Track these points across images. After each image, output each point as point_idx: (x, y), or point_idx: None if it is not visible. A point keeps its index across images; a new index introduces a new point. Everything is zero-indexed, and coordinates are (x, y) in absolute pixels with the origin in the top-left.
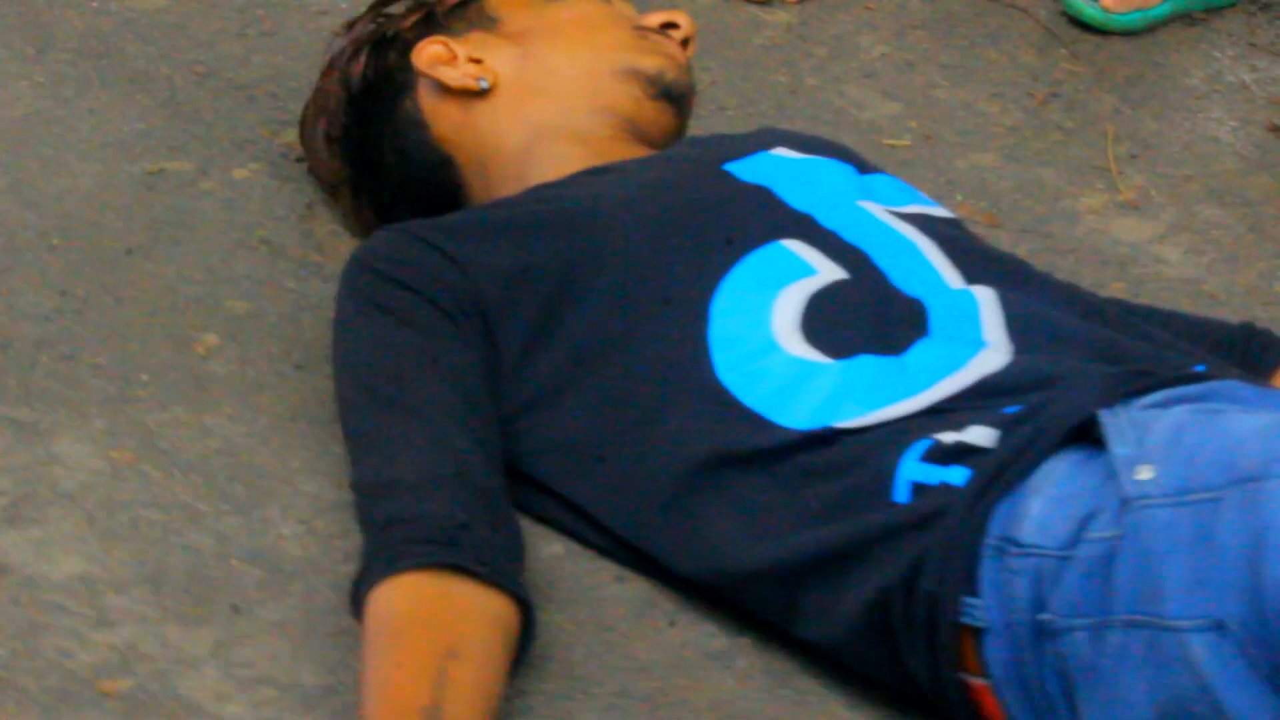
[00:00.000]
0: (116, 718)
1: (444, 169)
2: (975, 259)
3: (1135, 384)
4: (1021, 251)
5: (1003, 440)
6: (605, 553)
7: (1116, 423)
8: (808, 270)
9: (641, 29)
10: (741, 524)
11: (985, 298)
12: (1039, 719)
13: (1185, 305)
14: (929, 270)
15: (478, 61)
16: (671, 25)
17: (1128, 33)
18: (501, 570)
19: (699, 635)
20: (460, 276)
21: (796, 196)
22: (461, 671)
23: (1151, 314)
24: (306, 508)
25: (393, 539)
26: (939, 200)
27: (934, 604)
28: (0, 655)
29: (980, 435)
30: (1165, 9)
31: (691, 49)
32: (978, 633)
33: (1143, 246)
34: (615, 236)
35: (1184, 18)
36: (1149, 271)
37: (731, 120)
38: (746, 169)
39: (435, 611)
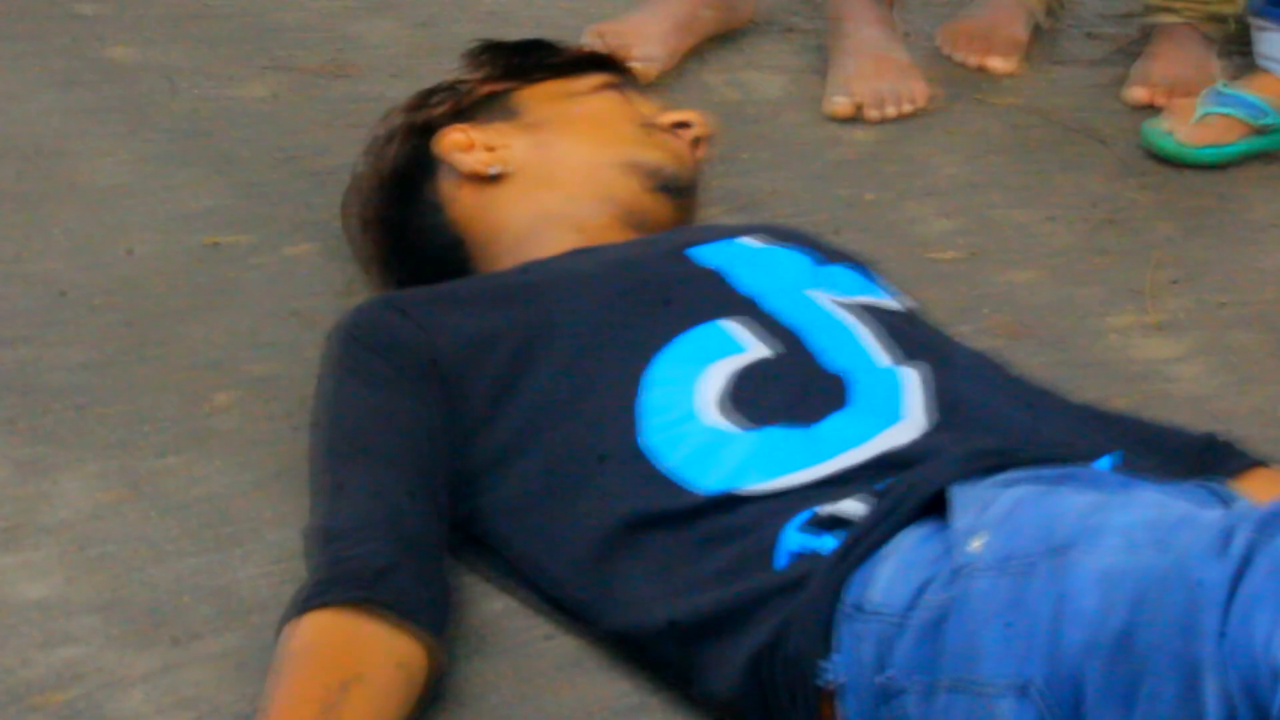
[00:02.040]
0: None
1: (455, 249)
2: (913, 344)
3: (993, 461)
4: (1035, 363)
5: (869, 512)
6: (543, 611)
7: (964, 497)
8: (737, 348)
9: (651, 125)
10: (651, 583)
11: (910, 376)
12: None
13: (1185, 421)
14: (859, 350)
15: (493, 150)
16: (684, 125)
17: (1202, 166)
18: (414, 615)
19: (612, 693)
20: (425, 342)
21: (745, 281)
22: (352, 703)
23: (1114, 419)
24: (268, 555)
25: (318, 580)
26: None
27: (795, 665)
28: None
29: (853, 507)
30: (1241, 146)
31: (703, 149)
32: (836, 694)
33: (1159, 365)
34: (568, 309)
35: (1261, 156)
36: (1158, 389)
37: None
38: (707, 253)
39: (336, 645)
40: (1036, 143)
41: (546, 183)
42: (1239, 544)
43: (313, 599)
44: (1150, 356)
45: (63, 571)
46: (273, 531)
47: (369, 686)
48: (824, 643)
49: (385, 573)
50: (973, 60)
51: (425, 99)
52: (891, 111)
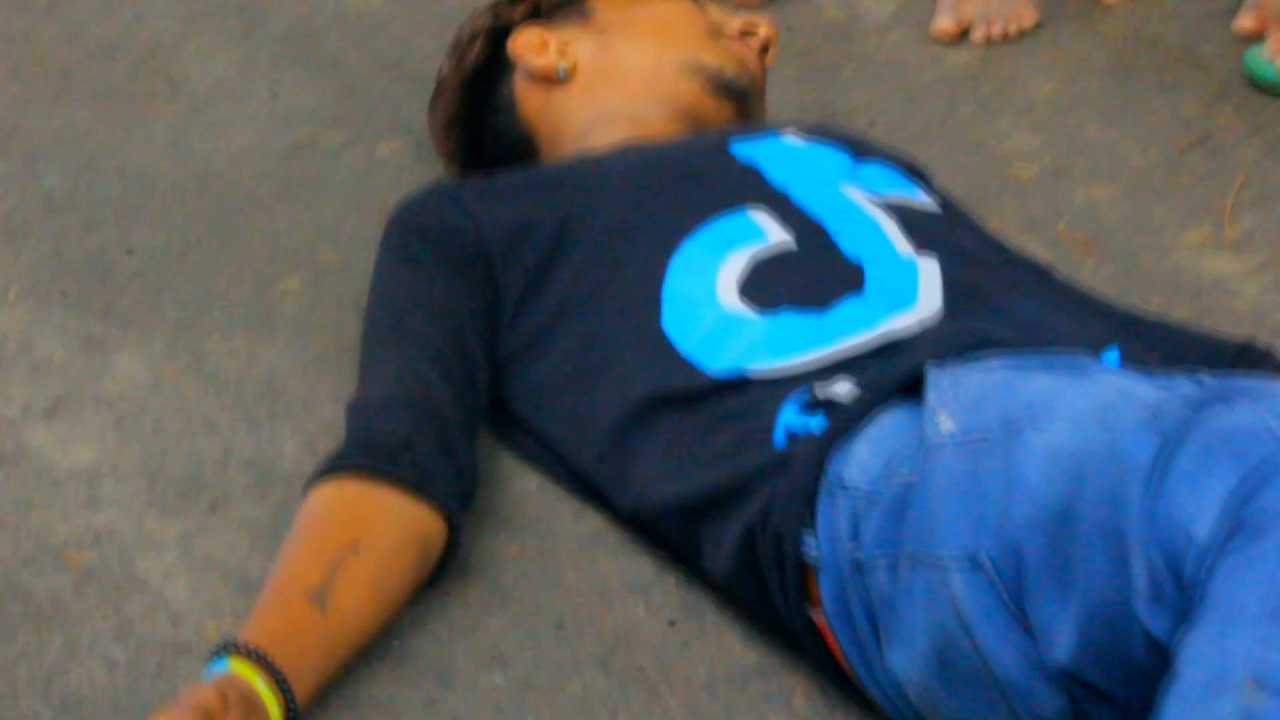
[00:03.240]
0: (68, 582)
1: (526, 148)
2: (937, 238)
3: (973, 342)
4: (1102, 275)
5: (854, 393)
6: (574, 490)
7: (939, 377)
8: (761, 236)
9: (718, 30)
10: (663, 462)
11: (929, 266)
12: (860, 651)
13: (1243, 332)
14: (882, 240)
15: (563, 50)
16: (751, 31)
17: None
18: (432, 486)
19: (628, 568)
20: (473, 228)
21: (780, 174)
22: (359, 564)
23: (1150, 325)
24: (314, 429)
25: (343, 448)
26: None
27: (780, 540)
28: None
29: (844, 388)
30: None
31: (772, 53)
32: (817, 567)
33: (1225, 280)
34: (603, 197)
35: None
36: (1221, 302)
37: (873, 132)
38: (747, 148)
39: (350, 509)
40: (1137, 67)
41: (609, 82)
42: (1170, 421)
43: (333, 467)
44: (1218, 272)
45: (113, 439)
46: (324, 408)
47: (377, 549)
48: (806, 518)
49: (406, 443)
50: None
51: (502, 2)
52: (997, 32)
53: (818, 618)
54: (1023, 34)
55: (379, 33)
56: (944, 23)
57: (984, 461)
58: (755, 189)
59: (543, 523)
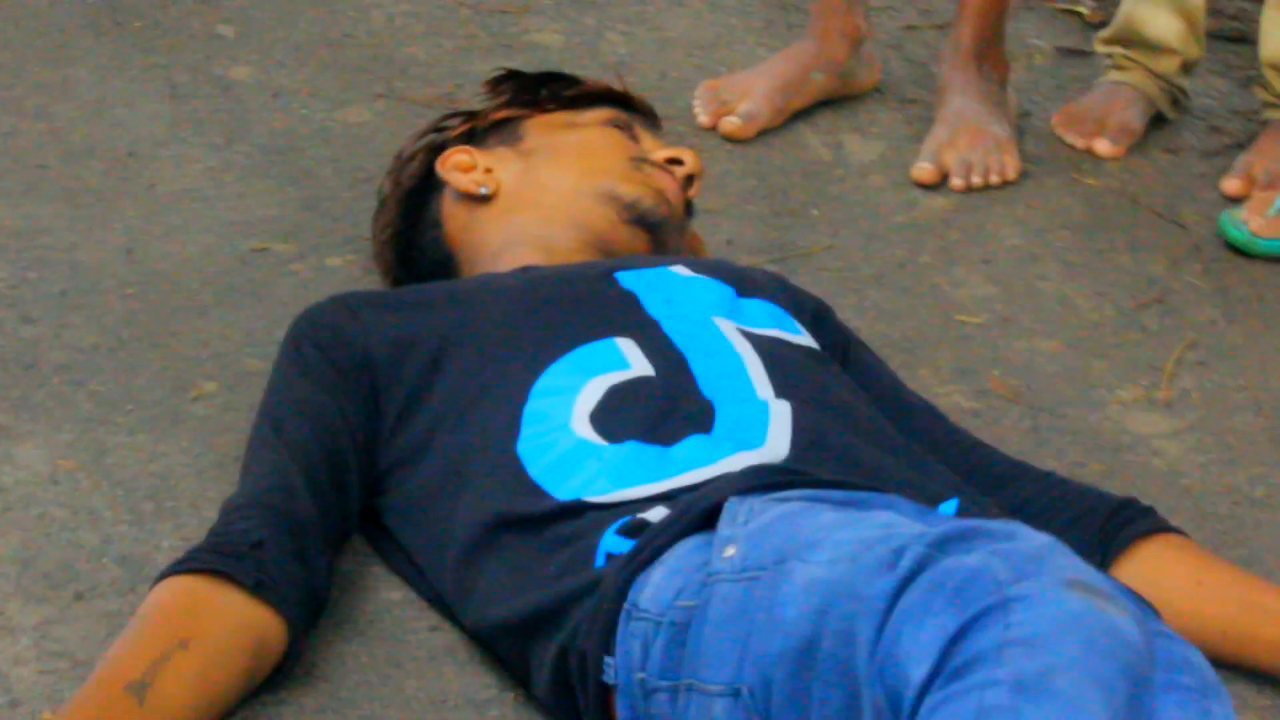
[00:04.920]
0: None
1: (447, 265)
2: (800, 380)
3: (779, 479)
4: (1021, 426)
5: (664, 518)
6: (433, 604)
7: (735, 509)
8: (623, 364)
9: (640, 160)
10: (503, 582)
11: (781, 410)
12: None
13: (1153, 492)
14: (741, 378)
15: (489, 171)
16: (676, 161)
17: (1268, 258)
18: (275, 589)
19: (472, 683)
20: (362, 340)
21: (656, 305)
22: (185, 659)
23: (1025, 476)
24: (196, 528)
25: (194, 548)
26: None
27: (583, 661)
28: None
29: (657, 515)
30: None
31: (695, 186)
32: (615, 690)
33: (1149, 439)
34: (483, 318)
35: None
36: (1139, 459)
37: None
38: (631, 277)
39: (183, 606)
40: (1113, 223)
41: (526, 205)
42: (908, 560)
43: (178, 565)
44: (1144, 431)
45: None
46: (210, 509)
47: (206, 646)
48: (606, 641)
49: (256, 546)
50: (1080, 142)
51: (444, 122)
52: (977, 181)
53: None
54: (1005, 183)
55: (358, 148)
56: (923, 168)
57: (754, 591)
58: (628, 318)
59: (398, 634)
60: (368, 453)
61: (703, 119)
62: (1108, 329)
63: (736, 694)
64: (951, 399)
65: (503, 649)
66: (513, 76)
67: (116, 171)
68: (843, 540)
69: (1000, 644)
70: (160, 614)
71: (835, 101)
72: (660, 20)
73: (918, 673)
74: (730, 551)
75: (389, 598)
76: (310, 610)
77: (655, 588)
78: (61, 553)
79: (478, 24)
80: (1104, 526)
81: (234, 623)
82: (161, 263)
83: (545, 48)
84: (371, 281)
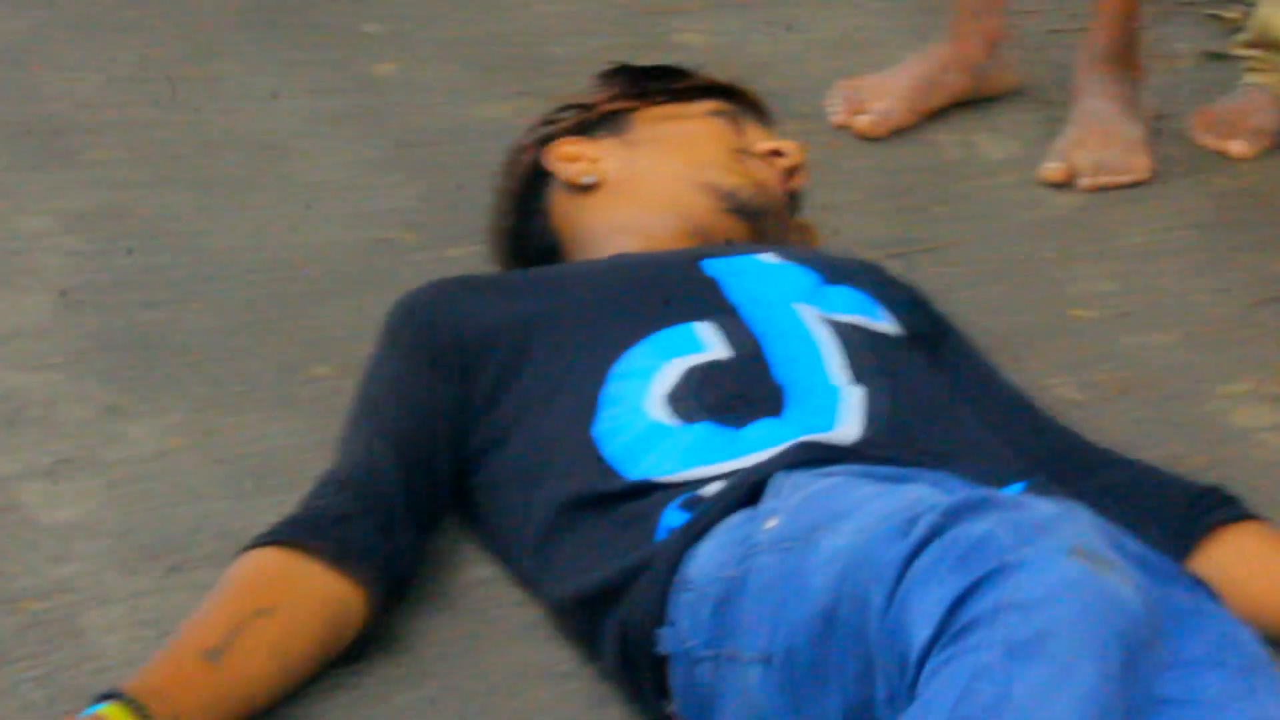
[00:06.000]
0: (12, 627)
1: (553, 254)
2: (880, 366)
3: (826, 455)
4: (1125, 419)
5: (718, 492)
6: (521, 581)
7: (781, 483)
8: (699, 348)
9: (744, 152)
10: (575, 559)
11: (855, 394)
12: None
13: (1253, 485)
14: (817, 365)
15: (595, 162)
16: (779, 153)
17: None
18: (356, 561)
19: (554, 658)
20: (456, 324)
21: (738, 291)
22: (263, 629)
23: (1109, 461)
24: (294, 505)
25: (282, 520)
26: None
27: (638, 634)
28: None
29: (713, 489)
30: None
31: (798, 178)
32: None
33: (1253, 431)
34: (569, 301)
35: None
36: (1238, 452)
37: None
38: (716, 265)
39: (264, 577)
40: (1241, 222)
41: (629, 195)
42: (921, 528)
43: (263, 537)
44: (1249, 424)
45: (99, 500)
46: (309, 487)
47: (285, 615)
48: (660, 613)
49: (340, 520)
50: (1214, 143)
51: (556, 115)
52: (1106, 181)
53: (673, 710)
54: (1135, 183)
55: (494, 142)
56: (1052, 167)
57: (788, 561)
58: (708, 304)
59: (483, 609)
60: (459, 434)
61: (837, 117)
62: (1223, 325)
63: (768, 662)
64: (1058, 390)
65: (575, 624)
66: (622, 70)
67: (251, 162)
68: (870, 511)
69: (997, 608)
70: (241, 584)
71: (972, 102)
72: (806, 22)
73: (921, 637)
74: (771, 524)
75: (478, 575)
76: (392, 585)
77: (703, 560)
78: (160, 526)
79: (624, 24)
80: (1186, 513)
81: (313, 594)
82: (287, 251)
83: (689, 48)
84: (488, 270)
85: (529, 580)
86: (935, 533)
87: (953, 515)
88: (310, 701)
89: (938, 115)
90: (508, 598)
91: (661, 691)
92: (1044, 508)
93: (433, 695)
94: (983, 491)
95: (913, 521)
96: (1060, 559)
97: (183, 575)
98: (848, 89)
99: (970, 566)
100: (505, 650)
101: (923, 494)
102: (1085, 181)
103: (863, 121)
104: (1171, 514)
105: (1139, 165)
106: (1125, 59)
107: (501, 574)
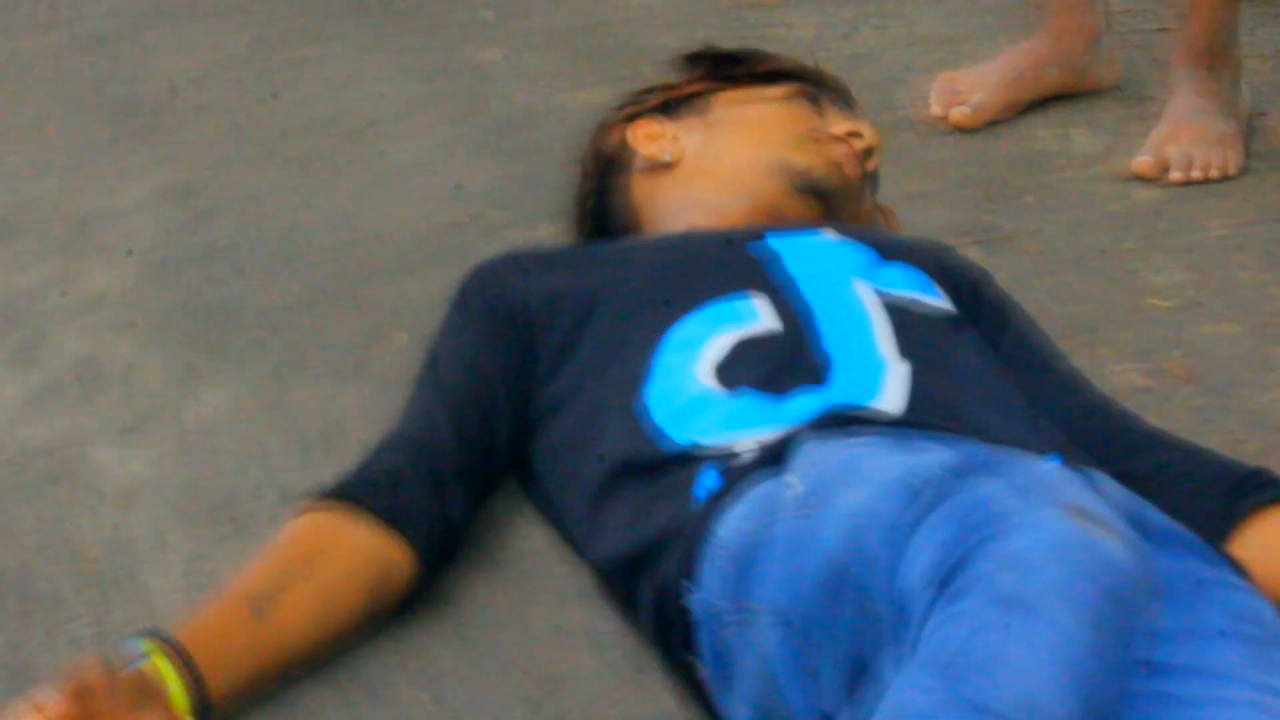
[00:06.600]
0: (72, 577)
1: (632, 231)
2: (930, 344)
3: (855, 422)
4: (1188, 406)
5: (753, 456)
6: (572, 546)
7: (810, 446)
8: (752, 320)
9: (819, 133)
10: (619, 523)
11: (899, 370)
12: (727, 702)
13: None
14: (865, 339)
15: (675, 140)
16: (855, 135)
17: None
18: (408, 521)
19: (596, 619)
20: (524, 294)
21: (795, 266)
22: (310, 583)
23: (1159, 443)
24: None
25: (337, 480)
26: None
27: (668, 592)
28: (27, 519)
29: (749, 454)
30: None
31: (874, 160)
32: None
33: None
34: (630, 273)
35: None
36: None
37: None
38: (778, 240)
39: (315, 532)
40: None
41: (703, 173)
42: (930, 489)
43: (318, 495)
44: None
45: (169, 460)
46: None
47: (331, 571)
48: (690, 573)
49: (393, 480)
50: None
51: (641, 95)
52: (1196, 175)
53: (701, 671)
54: (1225, 178)
55: (582, 129)
56: (1143, 160)
57: (804, 521)
58: (765, 277)
59: (534, 572)
60: (520, 401)
61: (935, 109)
62: None
63: (785, 621)
64: (1125, 377)
65: (615, 588)
66: (707, 52)
67: (351, 141)
68: (884, 473)
69: (994, 566)
70: (291, 540)
71: (1072, 97)
72: (914, 16)
73: (921, 594)
74: (795, 486)
75: (532, 539)
76: (443, 544)
77: (732, 521)
78: (227, 485)
79: (734, 15)
80: (1230, 493)
81: (362, 550)
82: (376, 227)
83: (795, 40)
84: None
85: (577, 545)
86: (941, 493)
87: (959, 476)
88: (355, 656)
89: (1036, 108)
90: (559, 564)
91: (692, 652)
92: (1046, 470)
93: (475, 655)
94: (991, 453)
95: (923, 483)
96: (1055, 518)
97: (243, 534)
98: (947, 81)
99: (971, 526)
100: (549, 613)
101: (936, 457)
102: (1175, 175)
103: (959, 114)
104: (1216, 494)
105: (1229, 161)
106: (1221, 56)
107: (553, 540)
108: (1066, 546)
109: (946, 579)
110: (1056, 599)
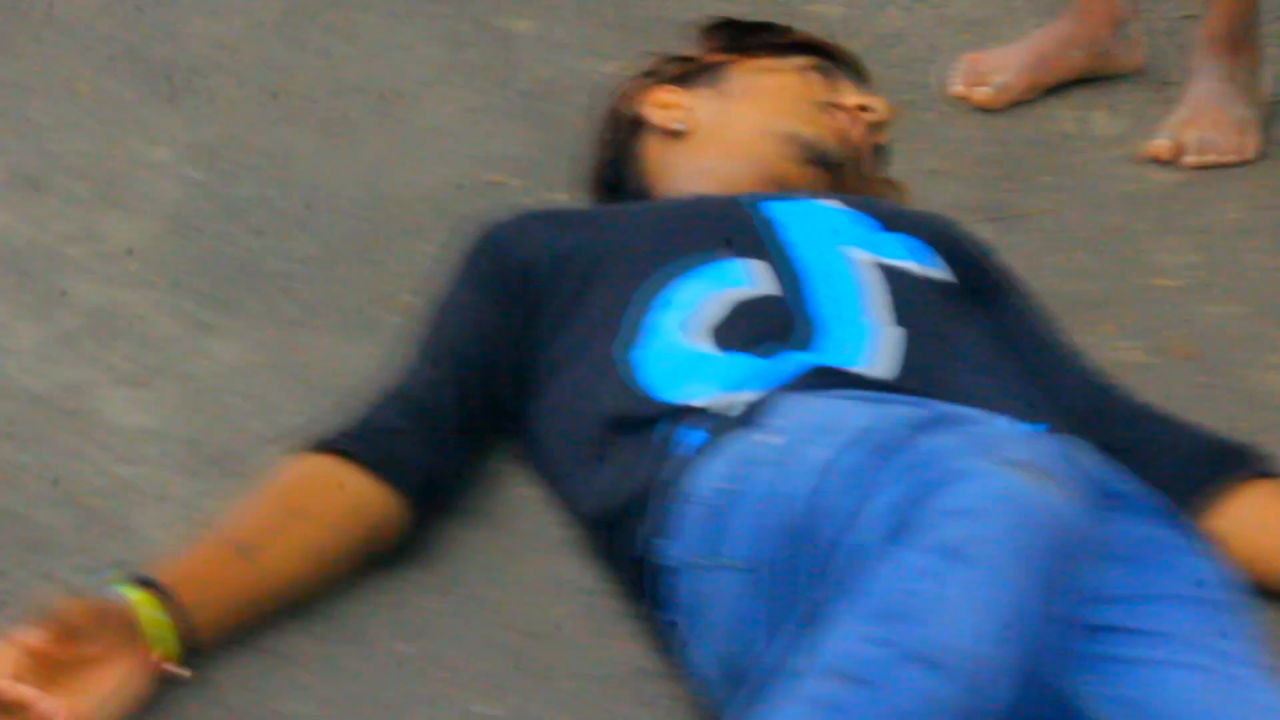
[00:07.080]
0: (71, 519)
1: (641, 197)
2: (922, 311)
3: (834, 380)
4: (1184, 384)
5: (734, 412)
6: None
7: (787, 403)
8: (743, 282)
9: (830, 104)
10: (607, 479)
11: (888, 335)
12: (699, 650)
13: None
14: (854, 303)
15: (688, 109)
16: (865, 108)
17: None
18: (398, 471)
19: (589, 575)
20: (529, 255)
21: (792, 231)
22: (299, 530)
23: (1143, 416)
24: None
25: (334, 429)
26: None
27: (648, 547)
28: (30, 464)
29: (734, 415)
30: None
31: (883, 134)
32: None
33: None
34: (630, 235)
35: None
36: None
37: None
38: (776, 207)
39: (307, 480)
40: None
41: (713, 142)
42: (889, 441)
43: (313, 442)
44: None
45: (175, 409)
46: None
47: (321, 519)
48: (664, 524)
49: (389, 433)
50: None
51: (657, 65)
52: (1211, 159)
53: (675, 622)
54: (1242, 163)
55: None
56: (1159, 144)
57: (777, 473)
58: (760, 241)
59: (526, 527)
60: (521, 360)
61: (959, 88)
62: None
63: (752, 570)
64: (1126, 354)
65: (599, 541)
66: (725, 24)
67: (377, 107)
68: (851, 426)
69: (937, 514)
70: (283, 485)
71: (1095, 80)
72: None
73: (870, 539)
74: (768, 440)
75: (525, 495)
76: (434, 496)
77: (707, 474)
78: (230, 436)
79: None
80: (1212, 467)
81: (352, 499)
82: (395, 190)
83: (824, 18)
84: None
85: (569, 500)
86: (899, 446)
87: (918, 430)
88: (343, 601)
89: (1058, 91)
90: (551, 519)
91: (666, 603)
92: (1002, 425)
93: (460, 604)
94: (955, 410)
95: (884, 436)
96: (1000, 471)
97: (242, 481)
98: (971, 62)
99: (920, 476)
100: (537, 566)
101: (901, 411)
102: (1190, 159)
103: (981, 94)
104: (1199, 467)
105: (1245, 146)
106: (1242, 42)
107: (548, 496)
108: (1007, 498)
109: (893, 524)
110: (993, 548)
